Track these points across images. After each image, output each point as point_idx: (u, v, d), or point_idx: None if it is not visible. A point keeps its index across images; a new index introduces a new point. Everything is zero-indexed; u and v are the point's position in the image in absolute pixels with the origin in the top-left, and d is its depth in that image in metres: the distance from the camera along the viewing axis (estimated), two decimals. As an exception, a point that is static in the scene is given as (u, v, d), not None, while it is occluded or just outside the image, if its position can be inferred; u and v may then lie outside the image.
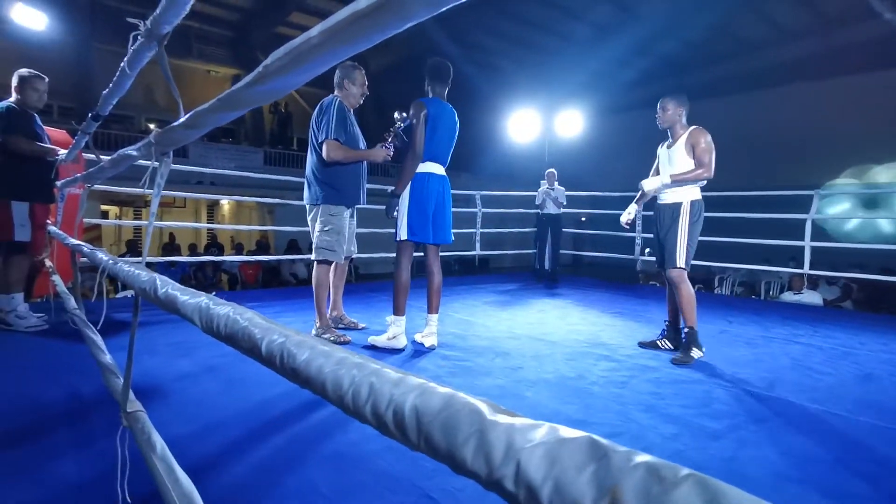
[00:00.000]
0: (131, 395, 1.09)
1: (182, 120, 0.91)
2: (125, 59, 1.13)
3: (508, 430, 0.22)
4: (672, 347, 2.95)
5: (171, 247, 10.64)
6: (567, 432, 0.21)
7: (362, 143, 3.04)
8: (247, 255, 9.99)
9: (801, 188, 5.07)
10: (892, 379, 2.48)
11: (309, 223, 3.01)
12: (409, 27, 0.42)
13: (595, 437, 0.20)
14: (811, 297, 5.48)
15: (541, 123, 8.90)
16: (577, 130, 8.67)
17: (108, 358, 1.41)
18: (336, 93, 2.94)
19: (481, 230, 6.39)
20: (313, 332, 2.92)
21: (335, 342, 2.74)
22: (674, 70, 14.20)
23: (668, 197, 2.89)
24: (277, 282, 9.51)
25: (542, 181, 6.23)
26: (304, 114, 16.98)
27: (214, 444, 1.57)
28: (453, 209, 3.04)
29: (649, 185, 2.90)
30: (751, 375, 2.49)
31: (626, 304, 4.61)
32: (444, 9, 0.38)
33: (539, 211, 6.23)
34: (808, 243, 4.72)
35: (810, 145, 10.87)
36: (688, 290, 2.81)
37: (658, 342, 3.01)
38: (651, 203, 3.07)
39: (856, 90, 10.51)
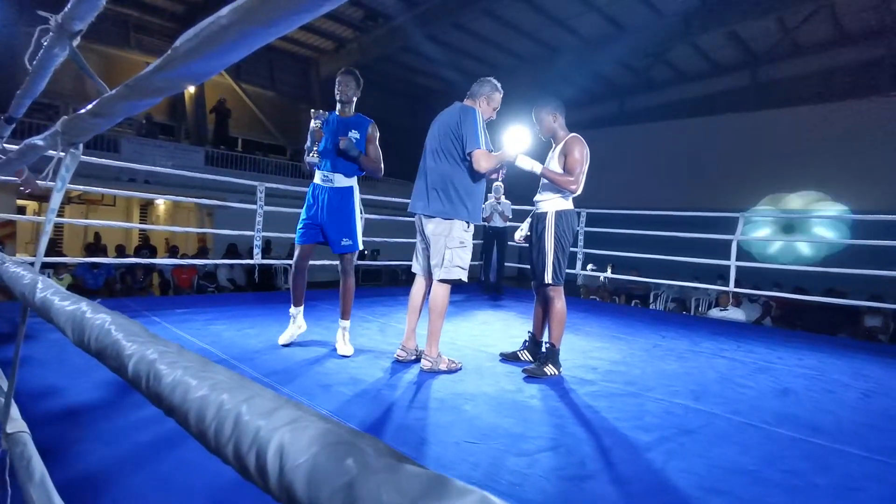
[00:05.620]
0: (15, 413, 0.95)
1: (89, 107, 0.82)
2: (28, 53, 1.00)
3: (388, 481, 0.17)
4: (531, 360, 2.88)
5: (95, 247, 9.91)
6: (458, 486, 0.17)
7: None
8: (181, 258, 9.45)
9: (729, 211, 5.39)
10: (807, 393, 2.64)
11: (429, 235, 2.72)
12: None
13: (489, 496, 0.16)
14: (735, 314, 5.82)
15: (493, 137, 9.03)
16: (525, 146, 8.84)
17: (-4, 369, 1.25)
18: (467, 102, 2.85)
19: (428, 240, 6.35)
20: (429, 365, 2.63)
21: (449, 371, 2.63)
22: (617, 93, 14.92)
23: (540, 206, 2.86)
24: (214, 287, 9.04)
25: (489, 194, 6.29)
26: (250, 114, 16.33)
27: (119, 471, 1.42)
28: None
29: (522, 160, 2.80)
30: (680, 388, 2.58)
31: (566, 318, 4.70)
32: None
33: (486, 224, 6.27)
34: (733, 262, 5.01)
35: (738, 172, 11.65)
36: (560, 307, 2.74)
37: (519, 354, 2.97)
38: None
39: (780, 123, 11.38)
